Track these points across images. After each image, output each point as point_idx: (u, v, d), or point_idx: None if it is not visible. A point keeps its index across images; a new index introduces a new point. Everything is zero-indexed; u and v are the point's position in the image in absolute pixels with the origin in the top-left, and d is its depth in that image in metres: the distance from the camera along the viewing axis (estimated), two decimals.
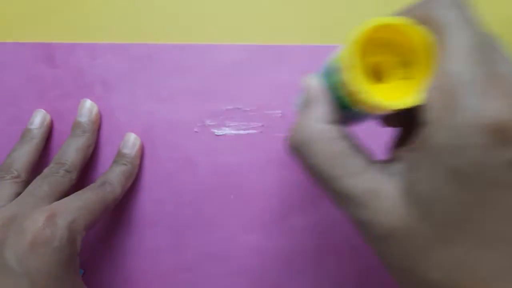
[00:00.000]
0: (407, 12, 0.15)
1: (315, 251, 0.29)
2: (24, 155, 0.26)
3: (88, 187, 0.25)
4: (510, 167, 0.13)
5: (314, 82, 0.18)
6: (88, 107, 0.28)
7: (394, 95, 0.15)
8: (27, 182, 0.25)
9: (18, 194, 0.24)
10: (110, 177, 0.26)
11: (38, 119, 0.28)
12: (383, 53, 0.15)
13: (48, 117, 0.28)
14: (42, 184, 0.24)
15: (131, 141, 0.28)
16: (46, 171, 0.25)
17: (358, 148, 0.16)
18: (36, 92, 0.29)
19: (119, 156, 0.28)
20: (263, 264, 0.29)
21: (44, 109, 0.29)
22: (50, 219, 0.21)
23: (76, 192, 0.24)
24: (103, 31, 0.29)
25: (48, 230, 0.20)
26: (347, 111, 0.17)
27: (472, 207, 0.14)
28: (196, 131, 0.29)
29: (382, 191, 0.15)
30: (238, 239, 0.29)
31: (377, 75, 0.16)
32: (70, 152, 0.26)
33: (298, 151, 0.17)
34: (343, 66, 0.15)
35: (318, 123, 0.17)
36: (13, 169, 0.25)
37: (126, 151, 0.28)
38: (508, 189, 0.13)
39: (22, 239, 0.20)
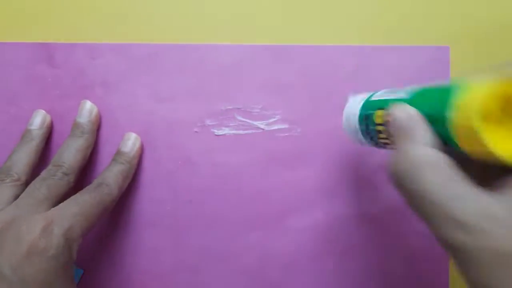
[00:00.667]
0: None
1: (315, 251, 0.29)
2: (24, 157, 0.26)
3: (85, 190, 0.25)
4: None
5: (411, 110, 0.18)
6: (88, 108, 0.28)
7: (505, 141, 0.15)
8: (26, 184, 0.25)
9: (17, 196, 0.24)
10: (108, 178, 0.26)
11: (38, 119, 0.28)
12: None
13: (48, 118, 0.28)
14: (40, 187, 0.24)
15: (131, 141, 0.28)
16: (44, 173, 0.25)
17: (462, 174, 0.16)
18: (36, 92, 0.29)
19: (118, 154, 0.28)
20: (263, 264, 0.29)
21: (44, 109, 0.29)
22: (46, 228, 0.21)
23: (74, 196, 0.24)
24: (103, 31, 0.29)
25: (44, 240, 0.20)
26: (447, 146, 0.17)
27: None
28: (196, 131, 0.29)
29: (495, 216, 0.15)
30: (237, 239, 0.29)
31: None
32: (68, 153, 0.26)
33: (404, 177, 0.17)
34: (465, 110, 0.15)
35: (425, 149, 0.16)
36: (13, 172, 0.25)
37: (126, 150, 0.28)
38: None
39: (18, 248, 0.20)
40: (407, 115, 0.18)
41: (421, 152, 0.16)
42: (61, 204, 0.23)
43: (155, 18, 0.29)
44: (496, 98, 0.15)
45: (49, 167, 0.25)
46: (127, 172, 0.27)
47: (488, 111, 0.15)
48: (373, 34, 0.29)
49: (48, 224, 0.21)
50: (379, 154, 0.29)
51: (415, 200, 0.16)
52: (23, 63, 0.29)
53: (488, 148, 0.14)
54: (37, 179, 0.25)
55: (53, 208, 0.23)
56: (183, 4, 0.29)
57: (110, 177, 0.26)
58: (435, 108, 0.16)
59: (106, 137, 0.29)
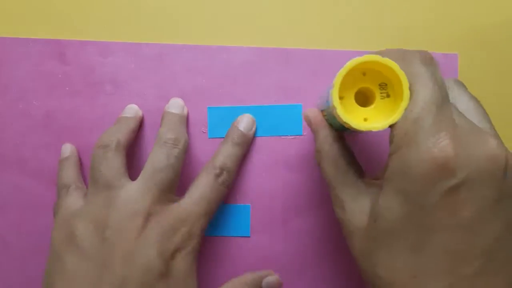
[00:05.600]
0: (385, 55, 0.19)
1: (317, 254, 0.29)
2: (122, 129, 0.26)
3: (209, 180, 0.25)
4: (445, 194, 0.17)
5: (312, 114, 0.23)
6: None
7: (375, 117, 0.20)
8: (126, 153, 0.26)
9: (125, 164, 0.25)
10: (227, 162, 0.26)
11: (132, 111, 0.28)
12: (367, 80, 0.20)
13: (140, 112, 0.28)
14: (166, 170, 0.24)
15: (249, 121, 0.28)
16: (160, 147, 0.25)
17: (353, 163, 0.22)
18: (46, 88, 0.29)
19: (235, 134, 0.27)
20: (265, 266, 0.29)
21: (53, 106, 0.29)
22: (189, 232, 0.24)
23: (203, 194, 0.25)
24: (114, 30, 0.30)
25: (187, 240, 0.24)
26: (344, 130, 0.22)
27: (407, 220, 0.18)
28: (203, 131, 0.29)
29: (359, 200, 0.21)
30: (240, 241, 0.29)
31: (365, 99, 0.21)
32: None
33: (319, 163, 0.23)
34: (333, 101, 0.19)
35: (324, 144, 0.22)
36: (114, 138, 0.25)
37: (243, 129, 0.28)
38: (438, 211, 0.17)
39: (167, 245, 0.23)
40: (309, 119, 0.23)
41: (323, 147, 0.22)
42: (195, 200, 0.25)
43: (166, 19, 0.30)
44: (357, 75, 0.20)
45: (162, 139, 0.25)
46: (242, 156, 0.28)
47: (353, 85, 0.20)
48: (381, 40, 0.30)
49: (191, 227, 0.24)
50: (382, 158, 0.29)
51: (327, 183, 0.22)
52: (34, 59, 0.29)
53: (336, 110, 0.19)
54: (156, 152, 0.25)
55: (189, 203, 0.25)
56: (194, 6, 0.30)
57: (229, 163, 0.26)
58: (327, 92, 0.21)
59: None
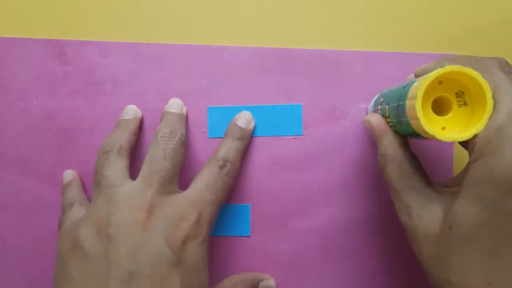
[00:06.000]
0: (459, 62, 0.19)
1: (318, 254, 0.29)
2: (121, 135, 0.26)
3: (213, 171, 0.25)
4: None
5: (376, 120, 0.24)
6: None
7: (453, 125, 0.20)
8: (129, 157, 0.26)
9: (128, 167, 0.25)
10: (230, 156, 0.26)
11: (131, 112, 0.28)
12: (444, 88, 0.20)
13: (139, 112, 0.29)
14: (163, 162, 0.24)
15: (247, 118, 0.28)
16: (159, 142, 0.25)
17: (419, 169, 0.22)
18: (46, 88, 0.29)
19: (235, 129, 0.28)
20: (265, 266, 0.29)
21: (53, 106, 0.29)
22: (198, 219, 0.23)
23: (208, 183, 0.25)
24: (114, 30, 0.30)
25: (196, 229, 0.23)
26: (410, 136, 0.22)
27: (486, 227, 0.18)
28: (204, 132, 0.29)
29: (428, 207, 0.20)
30: (241, 241, 0.29)
31: (439, 107, 0.20)
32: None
33: (382, 171, 0.23)
34: (416, 112, 0.19)
35: (389, 148, 0.22)
36: (116, 143, 0.25)
37: (243, 125, 0.28)
38: None
39: (176, 234, 0.23)
40: (377, 123, 0.23)
41: (388, 152, 0.22)
42: (200, 190, 0.25)
43: (166, 19, 0.30)
44: (434, 84, 0.19)
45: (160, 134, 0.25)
46: (244, 149, 0.28)
47: (430, 95, 0.19)
48: (381, 40, 0.30)
49: (199, 214, 0.24)
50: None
51: (390, 189, 0.22)
52: (34, 59, 0.29)
53: (420, 121, 0.19)
54: (153, 147, 0.25)
55: (194, 193, 0.24)
56: (194, 6, 0.30)
57: (231, 155, 0.26)
58: (398, 100, 0.21)
59: None
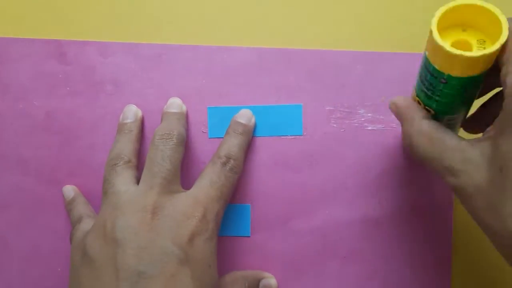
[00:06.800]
0: None
1: (317, 254, 0.29)
2: (127, 144, 0.27)
3: (216, 167, 0.25)
4: None
5: (402, 101, 0.23)
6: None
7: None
8: (138, 167, 0.27)
9: (136, 177, 0.25)
10: (233, 152, 0.26)
11: (131, 113, 0.28)
12: (466, 36, 0.20)
13: (139, 112, 0.29)
14: (163, 163, 0.24)
15: (247, 115, 0.28)
16: (158, 143, 0.25)
17: (447, 131, 0.21)
18: (46, 88, 0.29)
19: (236, 125, 0.28)
20: (265, 266, 0.29)
21: (53, 106, 0.29)
22: (204, 217, 0.23)
23: (212, 180, 0.25)
24: (114, 30, 0.30)
25: (202, 225, 0.23)
26: (430, 87, 0.21)
27: None
28: (204, 132, 0.29)
29: (470, 159, 0.19)
30: (241, 241, 0.29)
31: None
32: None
33: (411, 150, 0.22)
34: (430, 36, 0.19)
35: (420, 121, 0.21)
36: (123, 155, 0.26)
37: (243, 121, 0.28)
38: None
39: (182, 231, 0.23)
40: (403, 100, 0.23)
41: (419, 123, 0.21)
42: (204, 187, 0.25)
43: (166, 19, 0.30)
44: (450, 15, 0.19)
45: (157, 136, 0.26)
46: (247, 145, 0.28)
47: (451, 37, 0.20)
48: (381, 41, 0.30)
49: (205, 211, 0.24)
50: (384, 159, 0.29)
51: (426, 162, 0.21)
52: (34, 59, 0.29)
53: (441, 45, 0.18)
54: (151, 150, 0.25)
55: (198, 190, 0.24)
56: (194, 6, 0.30)
57: (234, 151, 0.26)
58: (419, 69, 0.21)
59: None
